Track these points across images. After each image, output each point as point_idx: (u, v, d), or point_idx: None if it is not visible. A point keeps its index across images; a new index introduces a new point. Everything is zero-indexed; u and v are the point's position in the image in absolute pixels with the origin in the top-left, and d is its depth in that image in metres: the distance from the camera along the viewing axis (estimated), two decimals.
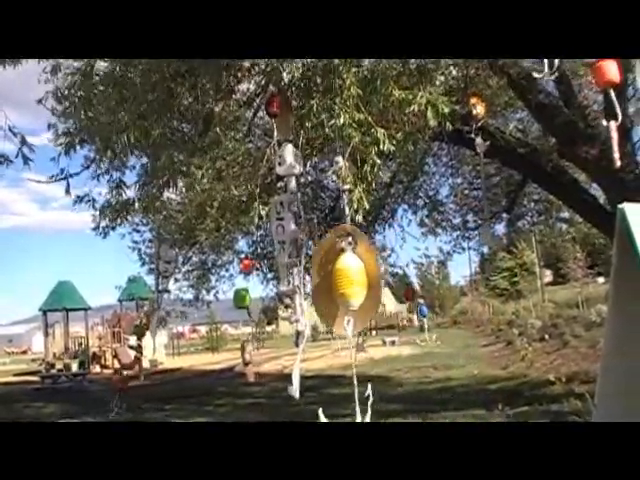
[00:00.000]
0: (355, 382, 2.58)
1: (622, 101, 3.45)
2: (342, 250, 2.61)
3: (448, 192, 11.23)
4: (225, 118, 5.40)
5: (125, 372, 15.41)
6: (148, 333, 9.54)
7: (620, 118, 3.38)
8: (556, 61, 3.34)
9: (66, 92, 5.07)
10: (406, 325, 36.14)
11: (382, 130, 3.61)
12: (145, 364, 18.16)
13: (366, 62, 4.06)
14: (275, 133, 3.51)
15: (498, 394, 9.84)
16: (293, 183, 3.45)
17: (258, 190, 4.53)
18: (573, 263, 24.66)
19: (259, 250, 10.01)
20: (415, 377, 14.36)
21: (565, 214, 11.39)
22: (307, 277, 3.56)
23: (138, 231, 9.31)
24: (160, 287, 7.48)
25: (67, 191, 5.33)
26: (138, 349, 14.61)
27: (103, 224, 6.42)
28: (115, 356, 21.15)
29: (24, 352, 48.38)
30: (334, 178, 4.38)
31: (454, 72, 6.09)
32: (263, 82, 5.12)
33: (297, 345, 2.87)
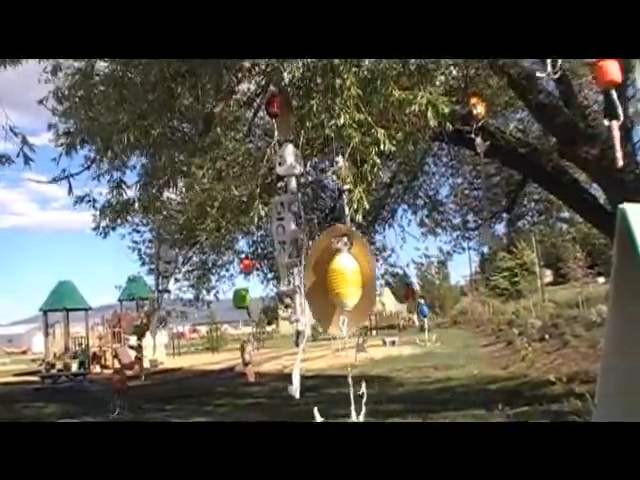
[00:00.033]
0: (350, 382, 2.58)
1: (622, 101, 3.44)
2: (338, 250, 2.61)
3: (448, 192, 11.26)
4: (225, 118, 5.41)
5: (125, 372, 15.42)
6: (148, 333, 9.55)
7: (622, 118, 3.38)
8: (559, 60, 3.34)
9: (66, 92, 5.07)
10: (407, 325, 36.12)
11: (382, 130, 3.61)
12: (145, 364, 18.16)
13: (366, 62, 4.06)
14: (275, 133, 3.52)
15: (498, 394, 9.84)
16: (293, 183, 3.45)
17: (258, 190, 4.54)
18: (573, 263, 24.68)
19: (259, 250, 10.01)
20: (415, 377, 14.36)
21: (565, 214, 11.39)
22: None
23: (138, 231, 9.32)
24: (160, 287, 7.49)
25: (70, 191, 5.34)
26: (138, 349, 14.63)
27: (103, 224, 6.43)
28: (115, 356, 21.15)
29: (24, 352, 48.35)
30: (334, 178, 4.38)
31: (454, 72, 6.10)
32: (263, 82, 5.13)
33: (297, 345, 2.88)
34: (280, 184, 4.17)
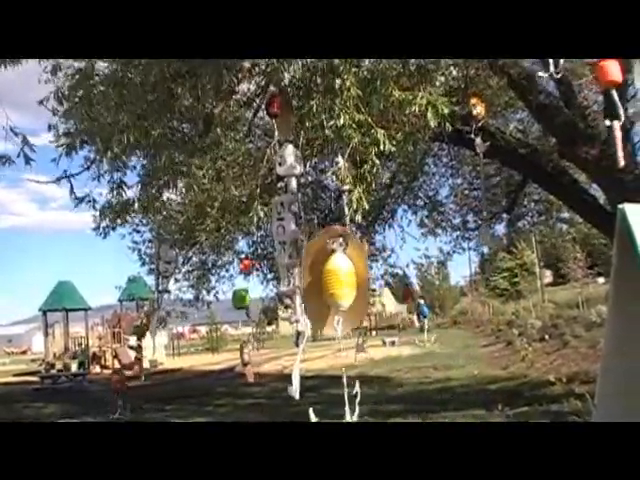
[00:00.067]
0: (345, 382, 2.58)
1: (622, 102, 3.45)
2: (333, 251, 2.60)
3: (448, 192, 11.26)
4: (225, 118, 5.40)
5: (124, 372, 15.41)
6: (148, 333, 9.54)
7: (623, 118, 3.39)
8: (561, 60, 3.35)
9: (67, 93, 5.07)
10: (406, 325, 36.14)
11: (382, 131, 3.61)
12: (145, 364, 18.15)
13: (366, 62, 4.06)
14: (276, 133, 3.51)
15: (498, 394, 9.84)
16: (293, 183, 3.45)
17: (258, 190, 4.54)
18: (573, 263, 24.68)
19: (259, 250, 10.02)
20: (415, 377, 14.36)
21: (565, 214, 11.40)
22: None
23: (138, 231, 9.32)
24: (160, 287, 7.48)
25: (72, 192, 5.33)
26: (138, 349, 14.61)
27: (103, 224, 6.43)
28: (115, 356, 21.14)
29: (24, 352, 48.36)
30: (334, 179, 4.39)
31: (454, 72, 6.11)
32: (263, 82, 5.13)
33: (297, 345, 2.87)
34: (280, 184, 4.17)
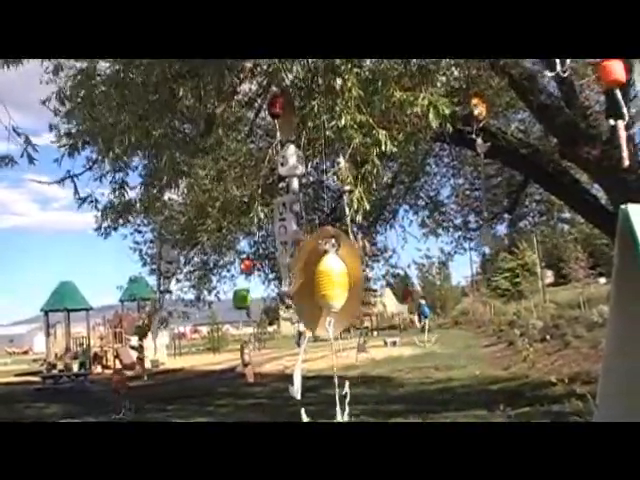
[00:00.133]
0: (336, 382, 2.58)
1: (624, 102, 3.45)
2: (325, 252, 2.61)
3: (449, 193, 11.25)
4: (227, 119, 5.41)
5: (125, 373, 15.42)
6: (149, 333, 9.55)
7: (627, 118, 3.38)
8: (567, 60, 3.35)
9: (68, 93, 5.08)
10: (408, 326, 36.15)
11: (383, 131, 3.61)
12: (147, 364, 18.16)
13: (367, 62, 4.06)
14: (277, 134, 3.52)
15: (499, 395, 9.83)
16: (295, 184, 3.45)
17: (260, 191, 4.54)
18: (574, 264, 24.64)
19: (261, 251, 10.02)
20: (416, 378, 14.35)
21: (566, 215, 11.39)
22: None
23: (140, 232, 9.33)
24: (162, 287, 7.49)
25: (75, 192, 5.34)
26: (140, 349, 14.62)
27: (105, 225, 6.44)
28: (117, 356, 21.15)
29: (25, 352, 48.40)
30: (335, 179, 4.38)
31: (456, 73, 6.11)
32: (265, 83, 5.14)
33: (299, 345, 2.88)
34: (281, 184, 4.18)
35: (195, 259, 9.53)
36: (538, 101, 6.32)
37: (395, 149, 3.83)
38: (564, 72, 3.40)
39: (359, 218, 3.59)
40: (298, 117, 4.07)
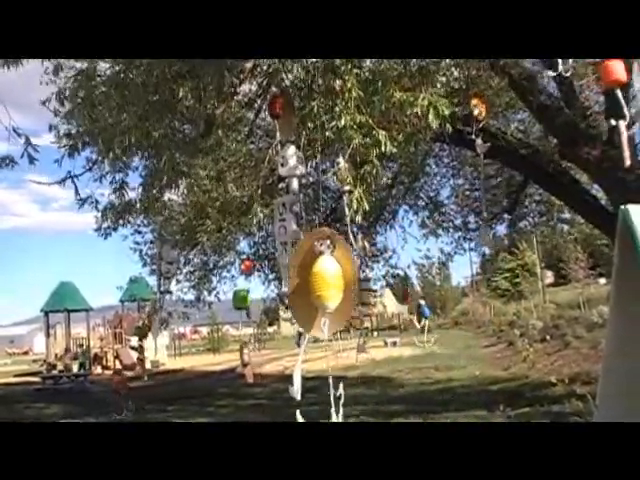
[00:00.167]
0: (331, 383, 2.58)
1: (625, 102, 3.45)
2: (320, 253, 2.61)
3: (449, 193, 11.26)
4: (227, 119, 5.41)
5: (125, 373, 15.41)
6: (150, 334, 9.56)
7: (628, 118, 3.38)
8: (569, 60, 3.35)
9: (68, 94, 5.08)
10: (408, 326, 36.14)
11: (383, 132, 3.61)
12: (147, 365, 18.16)
13: (367, 63, 4.07)
14: (277, 134, 3.52)
15: (499, 395, 9.83)
16: (295, 184, 3.45)
17: (260, 191, 4.54)
18: (574, 264, 24.64)
19: (260, 251, 10.03)
20: (416, 378, 14.35)
21: (566, 215, 11.39)
22: None
23: (140, 232, 9.34)
24: (162, 288, 7.50)
25: (77, 193, 5.35)
26: (140, 350, 14.61)
27: (105, 225, 6.45)
28: (117, 357, 21.14)
29: (25, 353, 48.44)
30: (335, 179, 4.39)
31: (455, 73, 6.11)
32: (265, 83, 5.14)
33: (299, 346, 2.88)
34: (281, 185, 4.17)
35: (195, 260, 9.54)
36: (538, 101, 6.32)
37: (395, 150, 3.83)
38: (566, 71, 3.40)
39: (358, 218, 3.59)
40: (298, 117, 4.07)
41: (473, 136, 5.52)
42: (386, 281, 12.16)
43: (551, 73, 3.82)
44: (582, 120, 6.31)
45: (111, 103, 4.69)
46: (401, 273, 11.79)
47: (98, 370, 21.56)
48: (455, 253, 11.88)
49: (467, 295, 47.43)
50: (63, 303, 20.42)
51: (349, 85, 3.60)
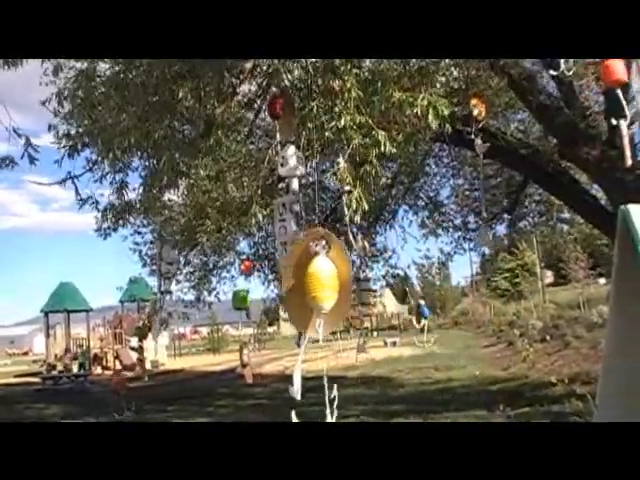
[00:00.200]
0: (325, 384, 2.59)
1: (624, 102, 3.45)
2: (316, 254, 2.61)
3: (449, 193, 11.25)
4: (227, 120, 5.41)
5: (125, 373, 15.42)
6: (150, 334, 9.55)
7: (629, 117, 3.39)
8: (571, 60, 3.36)
9: (67, 94, 5.08)
10: (408, 326, 36.15)
11: (383, 132, 3.61)
12: (147, 365, 18.17)
13: (367, 63, 4.07)
14: (277, 134, 3.52)
15: (499, 395, 9.83)
16: (295, 184, 3.45)
17: (260, 191, 4.54)
18: (574, 264, 24.65)
19: (260, 251, 10.02)
20: (416, 378, 14.34)
21: (566, 215, 11.39)
22: None
23: (139, 233, 9.34)
24: (162, 288, 7.49)
25: (77, 193, 5.35)
26: (140, 350, 14.62)
27: (105, 225, 6.45)
28: (116, 357, 21.15)
29: (25, 353, 48.42)
30: (334, 179, 4.40)
31: (455, 73, 6.11)
32: (264, 83, 5.14)
33: (299, 346, 2.88)
34: (281, 185, 4.18)
35: (195, 260, 9.54)
36: (537, 101, 6.32)
37: (394, 150, 3.83)
38: (569, 70, 3.40)
39: (357, 218, 3.60)
40: (298, 118, 4.07)
41: (472, 136, 5.53)
42: (386, 281, 12.16)
43: (553, 72, 3.82)
44: (582, 120, 6.32)
45: (111, 103, 4.69)
46: (401, 273, 11.79)
47: (98, 370, 21.57)
48: (455, 253, 11.88)
49: (467, 295, 47.45)
50: (63, 303, 20.42)
51: (349, 85, 3.60)
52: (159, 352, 21.60)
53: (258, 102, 5.77)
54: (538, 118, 7.23)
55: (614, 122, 3.49)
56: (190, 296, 9.90)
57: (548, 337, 15.89)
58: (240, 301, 7.04)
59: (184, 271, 9.37)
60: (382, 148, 3.58)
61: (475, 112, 5.33)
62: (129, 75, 4.63)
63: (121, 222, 6.30)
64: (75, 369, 20.01)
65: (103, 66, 4.93)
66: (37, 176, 5.91)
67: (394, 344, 24.46)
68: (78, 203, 5.53)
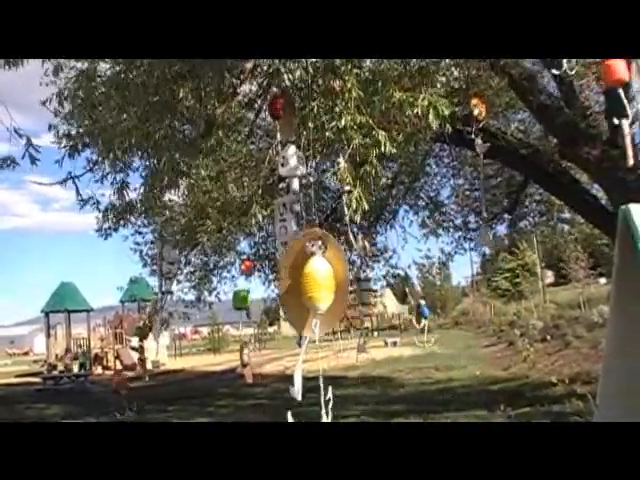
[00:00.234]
0: (321, 384, 2.59)
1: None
2: (312, 254, 2.61)
3: (450, 193, 11.25)
4: (227, 120, 5.41)
5: (125, 373, 15.43)
6: (150, 334, 9.56)
7: (631, 116, 3.39)
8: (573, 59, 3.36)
9: (67, 94, 5.09)
10: (408, 326, 36.16)
11: (383, 132, 3.61)
12: (148, 365, 18.17)
13: (367, 63, 4.07)
14: (278, 134, 3.52)
15: (500, 395, 9.83)
16: (296, 184, 3.46)
17: (260, 191, 4.54)
18: (575, 264, 24.65)
19: (261, 251, 10.03)
20: (417, 378, 14.34)
21: (567, 215, 11.39)
22: None
23: (140, 233, 9.34)
24: (163, 288, 7.50)
25: (78, 194, 5.35)
26: (140, 350, 14.63)
27: (106, 226, 6.45)
28: (117, 357, 21.17)
29: (26, 353, 48.45)
30: (335, 179, 4.40)
31: (455, 73, 6.11)
32: (265, 83, 5.14)
33: (300, 345, 2.88)
34: (281, 185, 4.18)
35: (195, 260, 9.54)
36: (538, 101, 6.32)
37: (394, 150, 3.83)
38: (571, 69, 3.40)
39: (357, 218, 3.60)
40: (298, 118, 4.07)
41: (473, 136, 5.53)
42: (386, 281, 12.16)
43: (555, 71, 3.82)
44: (582, 120, 6.31)
45: (111, 103, 4.69)
46: (401, 273, 11.79)
47: (99, 370, 21.58)
48: (455, 253, 11.88)
49: (467, 295, 47.48)
50: (64, 303, 20.44)
51: (349, 85, 3.60)
52: (160, 352, 21.59)
53: (259, 102, 5.77)
54: (538, 118, 7.23)
55: (616, 122, 3.49)
56: (191, 296, 9.91)
57: (549, 337, 15.90)
58: (240, 301, 7.05)
59: (185, 271, 9.38)
60: (382, 148, 3.59)
61: (475, 112, 5.34)
62: (130, 75, 4.63)
63: (122, 222, 6.31)
64: (76, 369, 20.03)
65: (104, 66, 4.93)
66: (38, 176, 5.92)
67: (395, 344, 24.47)
68: (79, 203, 5.54)
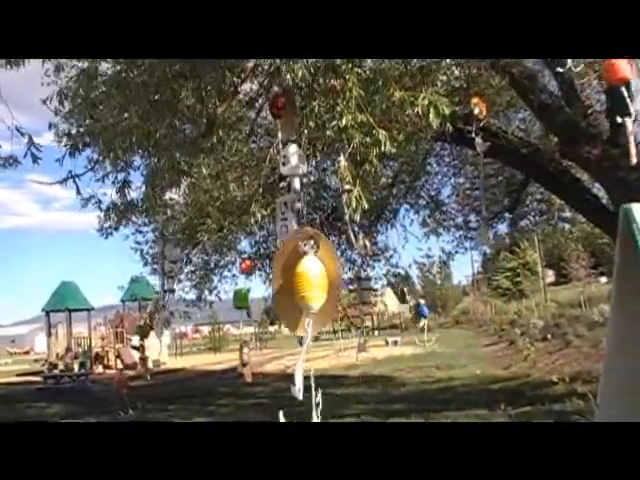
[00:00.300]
0: (313, 384, 2.59)
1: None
2: (304, 253, 2.62)
3: (450, 192, 11.26)
4: (228, 119, 5.41)
5: (126, 372, 15.45)
6: (152, 333, 9.56)
7: (633, 115, 3.38)
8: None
9: (69, 94, 5.09)
10: (409, 325, 36.18)
11: (383, 132, 3.62)
12: (148, 364, 18.19)
13: (368, 62, 4.07)
14: (279, 134, 3.52)
15: (500, 394, 9.83)
16: (296, 183, 3.46)
17: (261, 190, 4.54)
18: (576, 263, 24.66)
19: (262, 250, 10.04)
20: (418, 377, 14.34)
21: (567, 214, 11.39)
22: None
23: (141, 232, 9.35)
24: (165, 287, 7.50)
25: (78, 193, 5.35)
26: (141, 349, 14.64)
27: (107, 225, 6.46)
28: (118, 356, 21.20)
29: (27, 352, 48.51)
30: (335, 178, 4.40)
31: (456, 72, 6.11)
32: (266, 82, 5.14)
33: (301, 344, 2.88)
34: (282, 184, 4.18)
35: (196, 259, 9.55)
36: (539, 100, 6.32)
37: (395, 149, 3.83)
38: (576, 67, 3.40)
39: (357, 217, 3.60)
40: (299, 117, 4.07)
41: (473, 135, 5.53)
42: (387, 280, 12.17)
43: (559, 69, 3.82)
44: (583, 119, 6.31)
45: (112, 103, 4.70)
46: (402, 272, 11.80)
47: (99, 369, 21.60)
48: (456, 252, 11.90)
49: (468, 294, 47.51)
50: (64, 303, 20.44)
51: (350, 84, 3.60)
52: (161, 351, 21.62)
53: (260, 101, 5.77)
54: (539, 117, 7.23)
55: (619, 120, 3.48)
56: (191, 295, 9.93)
57: (549, 336, 15.89)
58: (241, 300, 7.05)
59: (185, 270, 9.39)
60: (383, 147, 3.59)
61: (476, 111, 5.34)
62: (130, 74, 4.63)
63: (124, 221, 6.31)
64: (76, 368, 20.04)
65: (104, 65, 4.93)
66: (39, 175, 5.92)
67: (395, 343, 24.47)
68: (81, 202, 5.55)
